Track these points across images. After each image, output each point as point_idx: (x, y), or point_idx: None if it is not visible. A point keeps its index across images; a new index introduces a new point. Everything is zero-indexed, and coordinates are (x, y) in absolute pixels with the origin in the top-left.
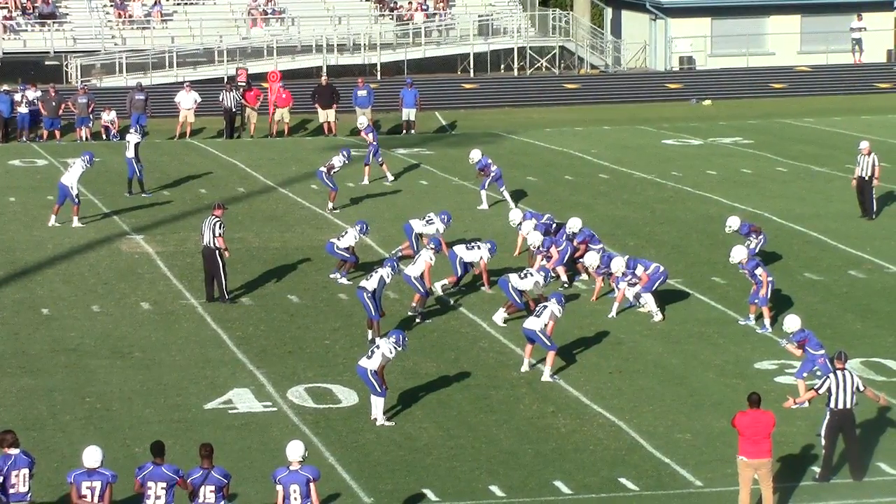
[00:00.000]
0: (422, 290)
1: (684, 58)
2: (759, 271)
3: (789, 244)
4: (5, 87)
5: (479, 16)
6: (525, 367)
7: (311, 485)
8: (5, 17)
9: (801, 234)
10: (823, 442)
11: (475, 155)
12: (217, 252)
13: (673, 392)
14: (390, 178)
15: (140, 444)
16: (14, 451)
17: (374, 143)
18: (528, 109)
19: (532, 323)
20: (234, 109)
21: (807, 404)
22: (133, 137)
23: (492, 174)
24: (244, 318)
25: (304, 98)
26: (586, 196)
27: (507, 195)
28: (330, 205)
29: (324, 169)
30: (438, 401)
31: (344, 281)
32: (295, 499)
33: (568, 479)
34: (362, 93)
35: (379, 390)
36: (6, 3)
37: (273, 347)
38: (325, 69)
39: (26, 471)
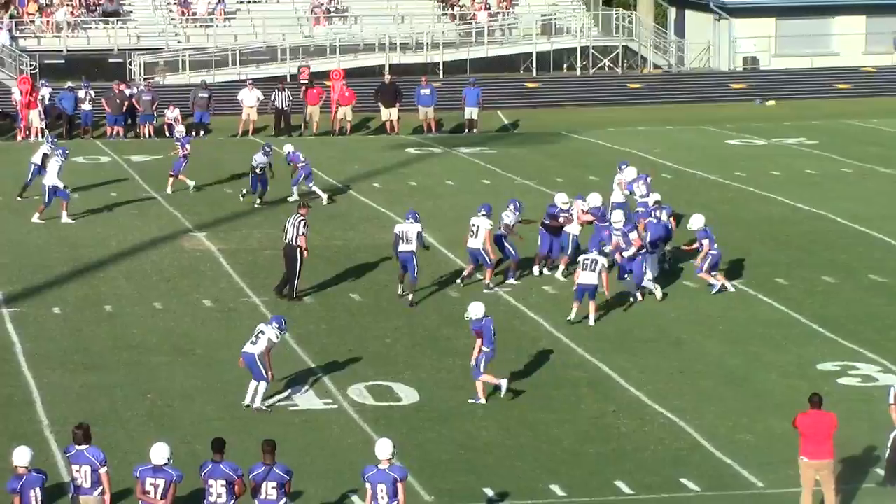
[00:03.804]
0: (489, 261)
1: (748, 58)
2: (706, 241)
3: (854, 246)
4: (70, 84)
5: (543, 15)
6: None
7: (399, 485)
8: (70, 15)
9: (866, 236)
10: (890, 444)
11: (287, 147)
12: (298, 251)
13: (735, 393)
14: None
15: (201, 442)
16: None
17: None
18: (591, 109)
19: (590, 278)
20: (285, 109)
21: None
22: (45, 147)
23: (300, 167)
24: (306, 316)
25: (366, 96)
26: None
27: (317, 189)
28: (258, 201)
29: (259, 172)
30: (499, 400)
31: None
32: (382, 498)
33: (629, 479)
34: (425, 91)
35: (265, 376)
36: (71, 1)
37: (334, 346)
38: (387, 68)
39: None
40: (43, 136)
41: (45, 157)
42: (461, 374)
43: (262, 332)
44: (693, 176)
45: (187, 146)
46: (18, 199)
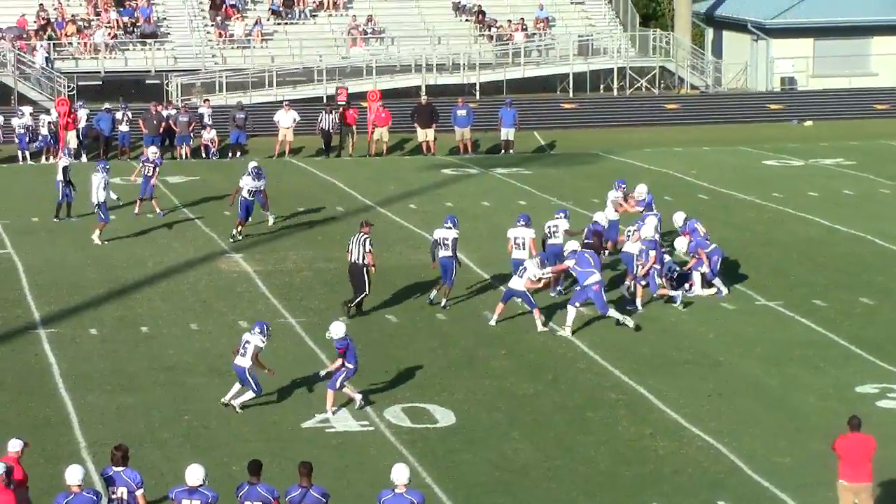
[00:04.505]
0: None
1: (786, 78)
2: (652, 253)
3: (892, 267)
4: (107, 105)
5: (579, 36)
6: (493, 322)
7: None
8: (108, 36)
9: None
10: None
11: (253, 164)
12: (365, 268)
13: (772, 415)
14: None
15: (237, 463)
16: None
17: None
18: (628, 130)
19: (516, 283)
20: (331, 131)
21: None
22: (63, 161)
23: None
24: None
25: (403, 117)
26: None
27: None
28: (234, 231)
29: (248, 196)
30: (535, 422)
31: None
32: None
33: (666, 501)
34: (462, 112)
35: (256, 388)
36: (109, 22)
37: (370, 367)
38: (424, 88)
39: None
40: (77, 158)
41: (66, 169)
42: (497, 396)
43: (247, 341)
44: (730, 197)
45: (156, 170)
46: (55, 220)
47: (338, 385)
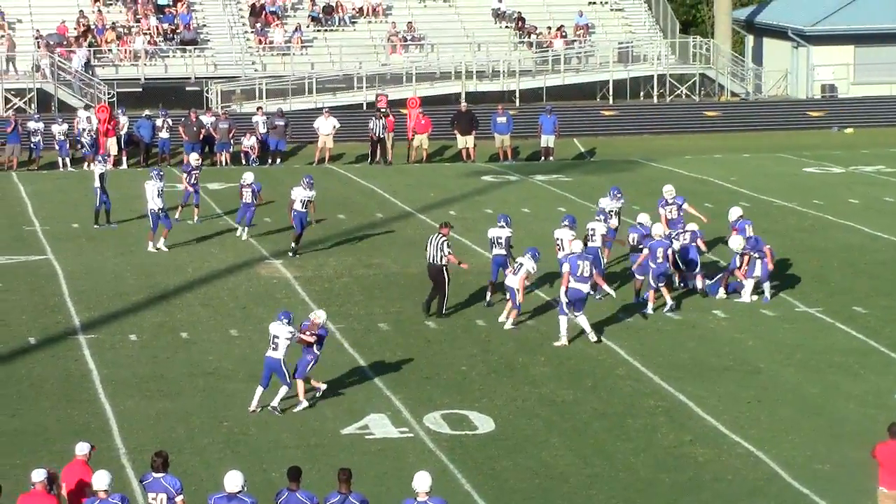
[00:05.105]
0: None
1: (826, 86)
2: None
3: None
4: (147, 112)
5: (619, 43)
6: (502, 318)
7: None
8: (148, 43)
9: None
10: None
11: (249, 177)
12: (444, 269)
13: (812, 422)
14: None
15: (277, 469)
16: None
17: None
18: (668, 137)
19: (511, 280)
20: (382, 137)
21: None
22: (98, 168)
23: (249, 205)
24: (381, 343)
25: (443, 124)
26: (726, 224)
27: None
28: (293, 245)
29: (301, 209)
30: (575, 428)
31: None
32: None
33: None
34: (501, 119)
35: (288, 381)
36: (149, 29)
37: (410, 373)
38: (463, 95)
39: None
40: (118, 165)
41: (102, 176)
42: (537, 402)
43: (276, 335)
44: (770, 204)
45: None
46: (95, 226)
47: (306, 372)
